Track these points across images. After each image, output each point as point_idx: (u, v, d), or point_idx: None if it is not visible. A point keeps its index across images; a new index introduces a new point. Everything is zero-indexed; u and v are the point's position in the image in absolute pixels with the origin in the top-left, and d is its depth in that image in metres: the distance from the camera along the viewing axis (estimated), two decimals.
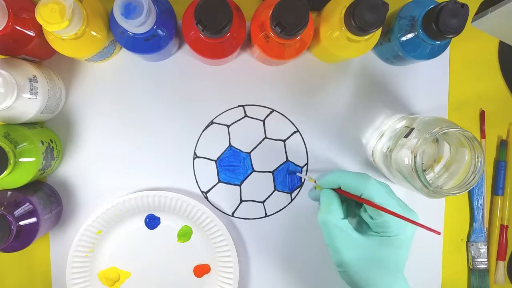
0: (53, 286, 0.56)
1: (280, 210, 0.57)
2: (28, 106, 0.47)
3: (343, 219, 0.43)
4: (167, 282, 0.57)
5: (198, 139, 0.56)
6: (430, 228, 0.40)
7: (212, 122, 0.56)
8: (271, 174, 0.57)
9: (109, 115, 0.56)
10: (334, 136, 0.57)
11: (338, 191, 0.44)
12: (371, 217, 0.42)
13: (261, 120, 0.57)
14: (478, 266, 0.58)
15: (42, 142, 0.49)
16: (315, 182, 0.48)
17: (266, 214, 0.57)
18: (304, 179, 0.56)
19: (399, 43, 0.50)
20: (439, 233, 0.39)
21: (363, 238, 0.42)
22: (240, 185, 0.57)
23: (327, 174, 0.45)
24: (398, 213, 0.41)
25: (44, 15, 0.40)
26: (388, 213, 0.40)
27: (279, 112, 0.57)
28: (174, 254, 0.57)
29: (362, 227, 0.45)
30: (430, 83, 0.57)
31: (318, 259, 0.58)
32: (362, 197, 0.42)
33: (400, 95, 0.57)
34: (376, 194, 0.41)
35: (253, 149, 0.57)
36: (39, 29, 0.46)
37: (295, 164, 0.57)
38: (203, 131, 0.56)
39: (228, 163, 0.57)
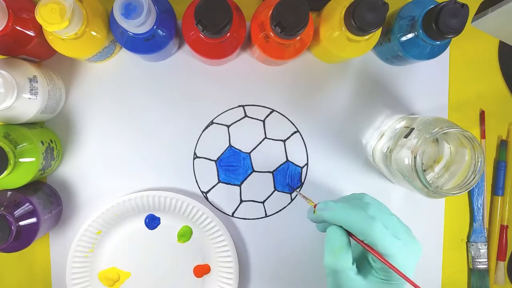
0: (53, 286, 0.56)
1: (280, 210, 0.57)
2: (28, 106, 0.47)
3: (352, 264, 0.40)
4: (167, 282, 0.57)
5: (198, 139, 0.56)
6: (413, 283, 0.37)
7: (212, 122, 0.56)
8: (271, 174, 0.57)
9: (109, 115, 0.56)
10: (334, 136, 0.57)
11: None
12: (373, 260, 0.40)
13: (261, 120, 0.57)
14: (478, 266, 0.58)
15: (42, 142, 0.49)
16: (314, 206, 0.44)
17: (266, 214, 0.57)
18: (299, 192, 0.56)
19: (399, 43, 0.50)
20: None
21: (366, 283, 0.40)
22: (240, 185, 0.57)
23: (328, 207, 0.41)
24: (403, 249, 0.39)
25: (44, 15, 0.40)
26: (389, 267, 0.38)
27: (279, 112, 0.57)
28: (174, 254, 0.56)
29: (364, 262, 0.42)
30: (430, 83, 0.57)
31: (318, 259, 0.57)
32: (365, 242, 0.39)
33: (400, 95, 0.57)
34: (379, 240, 0.38)
35: (253, 149, 0.57)
36: (39, 29, 0.46)
37: (295, 164, 0.57)
38: (203, 131, 0.56)
39: (228, 163, 0.57)
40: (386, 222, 0.40)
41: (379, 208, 0.41)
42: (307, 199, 0.47)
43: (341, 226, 0.41)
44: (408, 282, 0.38)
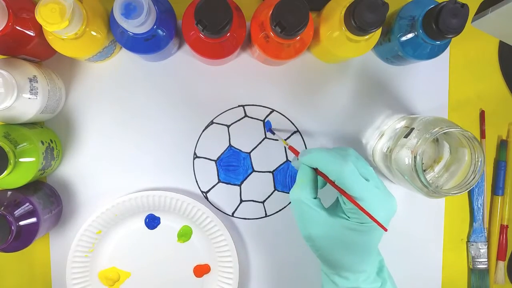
0: (53, 286, 0.56)
1: (280, 210, 0.57)
2: (28, 106, 0.47)
3: (314, 198, 0.43)
4: (167, 282, 0.57)
5: (198, 139, 0.56)
6: (380, 224, 0.39)
7: (212, 122, 0.56)
8: (271, 174, 0.57)
9: (109, 115, 0.56)
10: (334, 136, 0.57)
11: (317, 171, 0.44)
12: (344, 202, 0.42)
13: (261, 120, 0.57)
14: (478, 266, 0.58)
15: (42, 142, 0.49)
16: (289, 147, 0.48)
17: (266, 214, 0.57)
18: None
19: (399, 43, 0.50)
20: (386, 230, 0.40)
21: (331, 218, 0.42)
22: (240, 185, 0.57)
23: (308, 152, 0.44)
24: (375, 194, 0.41)
25: (44, 15, 0.40)
26: (355, 205, 0.40)
27: (279, 112, 0.57)
28: (174, 254, 0.57)
29: (337, 206, 0.45)
30: (430, 83, 0.57)
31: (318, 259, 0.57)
32: (335, 182, 0.42)
33: (400, 95, 0.57)
34: (349, 181, 0.40)
35: (253, 149, 0.57)
36: (39, 29, 0.46)
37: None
38: (203, 131, 0.56)
39: (228, 163, 0.57)
40: (361, 170, 0.42)
41: (357, 158, 0.43)
42: (286, 142, 0.50)
43: (309, 167, 0.44)
44: (373, 220, 0.39)
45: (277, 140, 0.57)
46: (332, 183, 0.42)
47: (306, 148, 0.57)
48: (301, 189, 0.43)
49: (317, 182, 0.44)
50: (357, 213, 0.41)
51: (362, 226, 0.41)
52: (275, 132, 0.54)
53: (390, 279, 0.45)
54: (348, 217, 0.42)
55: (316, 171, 0.44)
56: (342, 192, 0.41)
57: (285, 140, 0.57)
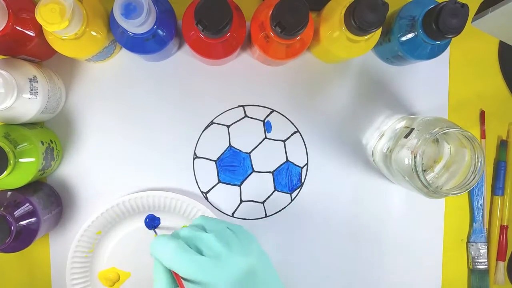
0: (53, 286, 0.56)
1: (280, 210, 0.57)
2: (28, 106, 0.47)
3: None
4: None
5: (198, 139, 0.56)
6: None
7: (212, 122, 0.56)
8: (271, 174, 0.57)
9: (109, 115, 0.56)
10: (334, 136, 0.57)
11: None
12: None
13: (261, 120, 0.57)
14: (478, 267, 0.58)
15: (42, 142, 0.49)
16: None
17: (266, 214, 0.57)
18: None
19: (399, 43, 0.50)
20: None
21: None
22: (240, 186, 0.57)
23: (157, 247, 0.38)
24: (214, 266, 0.36)
25: (44, 15, 0.40)
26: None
27: (279, 112, 0.57)
28: None
29: None
30: (430, 83, 0.57)
31: (318, 259, 0.58)
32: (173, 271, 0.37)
33: (400, 95, 0.57)
34: (175, 263, 0.36)
35: (253, 149, 0.57)
36: (39, 29, 0.46)
37: (295, 164, 0.57)
38: (203, 131, 0.56)
39: (228, 164, 0.57)
40: (194, 239, 0.38)
41: (195, 224, 0.39)
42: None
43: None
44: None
45: (277, 140, 0.57)
46: (175, 274, 0.36)
47: (306, 149, 0.57)
48: None
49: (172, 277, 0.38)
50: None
51: None
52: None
53: None
54: None
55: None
56: (179, 281, 0.36)
57: (285, 140, 0.57)
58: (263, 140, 0.57)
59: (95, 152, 0.56)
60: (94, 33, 0.46)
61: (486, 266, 0.58)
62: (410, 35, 0.49)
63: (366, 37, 0.46)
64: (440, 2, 0.46)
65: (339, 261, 0.58)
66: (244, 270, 0.37)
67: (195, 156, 0.57)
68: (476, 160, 0.47)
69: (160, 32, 0.47)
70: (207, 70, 0.56)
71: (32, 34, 0.46)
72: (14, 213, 0.47)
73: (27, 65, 0.48)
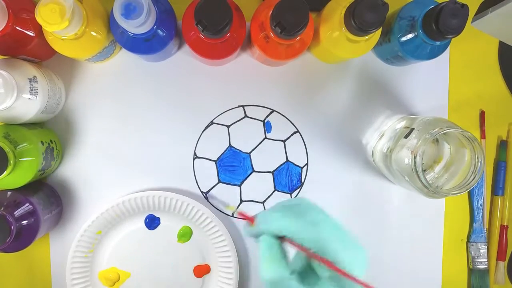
0: (53, 286, 0.56)
1: None
2: (28, 107, 0.47)
3: (292, 274, 0.37)
4: (167, 282, 0.56)
5: (198, 139, 0.56)
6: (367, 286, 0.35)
7: (212, 123, 0.56)
8: (271, 174, 0.57)
9: (109, 116, 0.56)
10: (334, 136, 0.57)
11: (284, 239, 0.38)
12: (320, 270, 0.37)
13: (261, 120, 0.57)
14: (478, 266, 0.58)
15: (42, 142, 0.49)
16: (251, 220, 0.40)
17: None
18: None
19: (399, 43, 0.50)
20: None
21: None
22: (240, 186, 0.57)
23: (268, 220, 0.37)
24: (350, 256, 0.36)
25: (44, 15, 0.40)
26: (341, 274, 0.35)
27: (279, 112, 0.57)
28: (174, 255, 0.56)
29: (309, 273, 0.39)
30: (430, 83, 0.57)
31: None
32: (311, 251, 0.36)
33: (400, 95, 0.57)
34: (327, 247, 0.35)
35: (253, 150, 0.57)
36: (39, 29, 0.46)
37: (295, 164, 0.57)
38: (203, 131, 0.56)
39: (228, 164, 0.57)
40: (330, 227, 0.37)
41: (321, 213, 0.38)
42: (233, 208, 0.44)
43: (274, 238, 0.37)
44: (363, 285, 0.35)
45: (277, 140, 0.57)
46: (306, 250, 0.36)
47: (306, 149, 0.57)
48: (274, 268, 0.37)
49: (285, 252, 0.38)
50: (336, 279, 0.36)
51: None
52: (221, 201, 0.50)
53: None
54: (325, 284, 0.36)
55: (281, 239, 0.38)
56: (319, 258, 0.36)
57: (285, 140, 0.57)
58: (263, 140, 0.57)
59: (95, 152, 0.56)
60: (94, 33, 0.46)
61: (486, 266, 0.58)
62: (410, 35, 0.49)
63: (366, 37, 0.46)
64: (440, 2, 0.46)
65: None
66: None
67: (195, 156, 0.57)
68: (476, 160, 0.47)
69: (160, 32, 0.47)
70: (207, 70, 0.56)
71: (32, 34, 0.46)
72: (14, 213, 0.47)
73: (27, 65, 0.47)
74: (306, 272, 0.39)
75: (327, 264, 0.36)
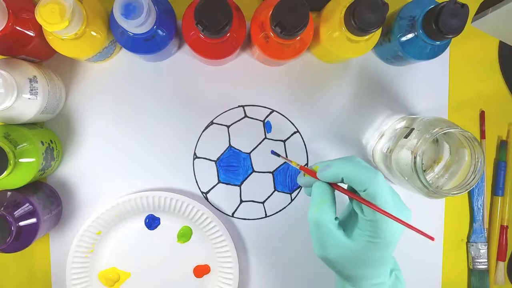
0: (53, 286, 0.56)
1: (280, 210, 0.57)
2: (28, 107, 0.47)
3: (335, 219, 0.41)
4: (167, 282, 0.56)
5: (198, 139, 0.56)
6: (425, 234, 0.38)
7: (212, 123, 0.56)
8: (271, 174, 0.57)
9: (109, 115, 0.56)
10: (334, 136, 0.57)
11: (334, 186, 0.42)
12: (363, 213, 0.40)
13: (261, 121, 0.57)
14: (478, 267, 0.58)
15: (42, 142, 0.49)
16: (300, 168, 0.45)
17: (266, 214, 0.57)
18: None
19: (399, 43, 0.50)
20: (433, 239, 0.38)
21: (350, 241, 0.40)
22: (240, 186, 0.57)
23: (328, 166, 0.41)
24: (394, 213, 0.39)
25: (44, 15, 0.40)
26: (389, 217, 0.38)
27: (279, 112, 0.57)
28: (174, 255, 0.56)
29: (351, 219, 0.43)
30: (430, 83, 0.57)
31: (318, 259, 0.57)
32: (364, 192, 0.39)
33: (400, 95, 0.57)
34: (379, 193, 0.39)
35: (253, 150, 0.57)
36: (39, 29, 0.46)
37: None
38: (203, 131, 0.56)
39: (228, 164, 0.57)
40: (383, 179, 0.40)
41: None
42: (292, 161, 0.47)
43: (327, 184, 0.42)
44: (409, 227, 0.38)
45: (277, 140, 0.57)
46: (355, 196, 0.39)
47: (306, 149, 0.57)
48: (322, 211, 0.40)
49: (335, 199, 0.42)
50: (376, 227, 0.39)
51: (379, 243, 0.39)
52: (279, 154, 0.51)
53: (400, 281, 0.44)
54: (365, 229, 0.40)
55: (333, 186, 0.41)
56: (370, 204, 0.39)
57: (285, 140, 0.57)
58: (263, 140, 0.57)
59: (95, 152, 0.56)
60: (94, 33, 0.46)
61: (486, 266, 0.58)
62: (410, 35, 0.49)
63: (366, 37, 0.46)
64: (440, 2, 0.46)
65: None
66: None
67: (195, 156, 0.57)
68: (476, 160, 0.47)
69: (160, 32, 0.47)
70: (207, 70, 0.56)
71: (32, 34, 0.46)
72: (14, 213, 0.47)
73: (27, 65, 0.47)
74: (347, 222, 0.43)
75: (378, 209, 0.38)
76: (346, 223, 0.43)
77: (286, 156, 0.57)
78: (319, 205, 0.41)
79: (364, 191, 0.39)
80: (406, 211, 0.42)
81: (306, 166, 0.56)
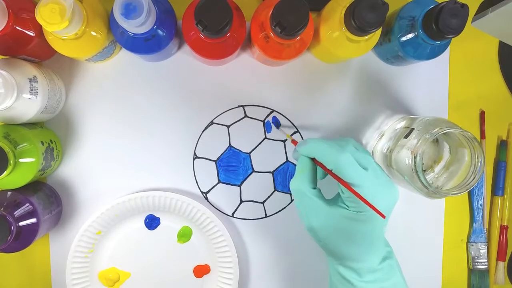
0: (53, 286, 0.56)
1: (280, 210, 0.57)
2: (28, 106, 0.47)
3: (314, 188, 0.44)
4: (167, 282, 0.56)
5: (198, 139, 0.56)
6: (377, 210, 0.40)
7: (212, 123, 0.56)
8: (271, 174, 0.57)
9: (109, 116, 0.56)
10: (334, 136, 0.57)
11: (315, 161, 0.44)
12: (342, 191, 0.42)
13: (261, 121, 0.57)
14: (478, 267, 0.58)
15: (42, 142, 0.49)
16: (292, 140, 0.49)
17: (266, 214, 0.57)
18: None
19: (399, 43, 0.50)
20: (383, 216, 0.40)
21: (330, 208, 0.42)
22: (240, 186, 0.57)
23: (305, 142, 0.44)
24: (373, 183, 0.41)
25: (44, 15, 0.40)
26: (352, 192, 0.40)
27: (279, 112, 0.57)
28: (174, 255, 0.56)
29: (338, 197, 0.45)
30: (430, 83, 0.57)
31: (318, 259, 0.57)
32: (332, 171, 0.42)
33: (400, 95, 0.57)
34: (345, 169, 0.41)
35: (253, 150, 0.57)
36: (39, 29, 0.46)
37: (295, 165, 0.57)
38: (203, 131, 0.56)
39: (228, 164, 0.57)
40: (360, 159, 0.42)
41: (356, 147, 0.43)
42: (290, 136, 0.51)
43: (307, 157, 0.44)
44: (369, 206, 0.40)
45: (277, 140, 0.57)
46: (330, 172, 0.42)
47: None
48: (300, 180, 0.43)
49: (315, 172, 0.45)
50: (356, 202, 0.41)
51: (360, 215, 0.41)
52: (281, 128, 0.54)
53: (393, 269, 0.44)
54: (347, 206, 0.42)
55: (314, 161, 0.44)
56: (339, 180, 0.41)
57: (285, 140, 0.57)
58: (263, 140, 0.57)
59: (95, 152, 0.56)
60: (94, 33, 0.46)
61: (486, 266, 0.58)
62: (410, 35, 0.49)
63: (366, 37, 0.46)
64: (440, 2, 0.46)
65: None
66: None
67: (195, 156, 0.57)
68: (476, 160, 0.47)
69: (160, 32, 0.47)
70: (207, 70, 0.56)
71: (32, 34, 0.46)
72: (14, 213, 0.47)
73: (27, 65, 0.48)
74: (337, 197, 0.45)
75: (346, 186, 0.41)
76: (333, 199, 0.45)
77: (286, 157, 0.57)
78: (297, 175, 0.44)
79: (331, 169, 0.42)
80: (390, 188, 0.43)
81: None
